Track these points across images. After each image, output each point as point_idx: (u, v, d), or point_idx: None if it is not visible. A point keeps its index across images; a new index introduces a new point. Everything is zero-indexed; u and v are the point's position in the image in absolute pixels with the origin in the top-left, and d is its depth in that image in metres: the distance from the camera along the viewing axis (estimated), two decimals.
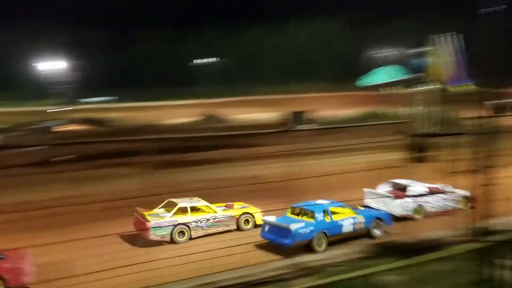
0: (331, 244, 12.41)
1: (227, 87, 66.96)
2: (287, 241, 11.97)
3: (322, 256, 11.17)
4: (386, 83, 50.12)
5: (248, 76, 71.64)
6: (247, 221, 14.12)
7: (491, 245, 7.06)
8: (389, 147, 11.52)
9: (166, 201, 13.82)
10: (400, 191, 14.55)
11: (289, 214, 13.19)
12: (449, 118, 10.45)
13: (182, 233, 13.10)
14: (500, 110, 10.77)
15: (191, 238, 13.18)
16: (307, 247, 12.01)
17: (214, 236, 13.47)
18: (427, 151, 10.63)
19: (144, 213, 13.32)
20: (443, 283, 7.98)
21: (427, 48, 10.47)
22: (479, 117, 10.18)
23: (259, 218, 13.93)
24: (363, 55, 70.50)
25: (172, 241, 12.91)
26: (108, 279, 8.82)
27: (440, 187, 14.82)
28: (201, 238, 13.25)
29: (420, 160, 10.76)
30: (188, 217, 13.30)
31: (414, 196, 14.33)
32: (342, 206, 13.23)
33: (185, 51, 75.82)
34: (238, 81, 70.52)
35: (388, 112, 32.70)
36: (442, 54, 10.11)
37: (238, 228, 13.94)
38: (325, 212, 12.73)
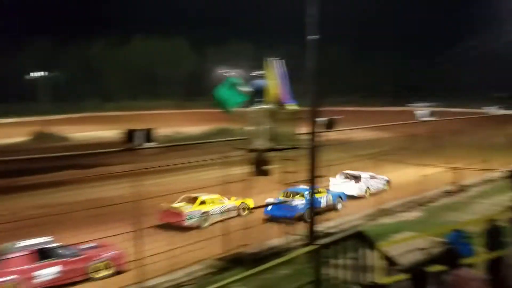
0: (315, 214, 15.14)
1: (65, 103, 62.00)
2: (291, 213, 15.27)
3: (171, 277, 11.04)
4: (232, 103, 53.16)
5: (90, 91, 67.27)
6: (244, 209, 17.62)
7: (326, 246, 7.79)
8: (235, 163, 12.05)
9: (182, 197, 17.09)
10: (354, 178, 20.78)
11: (281, 197, 16.96)
12: (285, 134, 11.45)
13: (205, 220, 16.52)
14: (325, 126, 12.19)
15: (211, 224, 16.39)
16: (301, 218, 15.23)
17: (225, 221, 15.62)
18: (268, 165, 11.42)
19: (173, 206, 16.43)
20: (286, 286, 8.53)
21: (263, 71, 11.39)
22: (308, 133, 11.38)
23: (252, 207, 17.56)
24: (208, 74, 72.57)
25: (199, 227, 16.09)
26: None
27: (373, 175, 21.18)
28: (217, 223, 15.92)
29: (262, 173, 11.50)
30: (208, 207, 16.84)
31: (364, 181, 20.88)
32: (317, 188, 16.54)
33: (16, 65, 67.83)
34: (78, 97, 65.80)
35: (234, 128, 34.02)
36: (276, 77, 11.10)
37: (238, 215, 17.12)
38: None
